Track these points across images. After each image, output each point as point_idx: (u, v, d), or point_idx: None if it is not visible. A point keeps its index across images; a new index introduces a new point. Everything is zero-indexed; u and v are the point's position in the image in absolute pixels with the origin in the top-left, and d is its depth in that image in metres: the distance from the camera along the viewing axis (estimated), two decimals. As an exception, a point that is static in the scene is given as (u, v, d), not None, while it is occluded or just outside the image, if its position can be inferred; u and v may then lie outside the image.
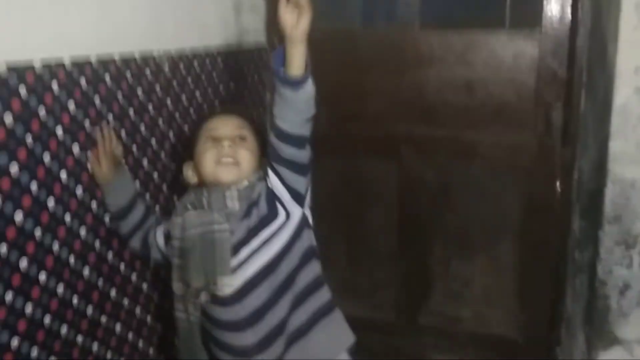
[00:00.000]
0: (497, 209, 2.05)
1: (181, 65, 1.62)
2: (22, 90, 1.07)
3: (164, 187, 1.57)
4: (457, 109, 2.06)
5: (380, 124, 2.14)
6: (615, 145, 1.60)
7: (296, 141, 1.23)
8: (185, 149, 1.43)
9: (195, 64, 1.69)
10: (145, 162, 1.48)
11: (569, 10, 1.90)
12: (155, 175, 1.53)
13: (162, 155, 1.55)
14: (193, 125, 1.67)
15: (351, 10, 2.23)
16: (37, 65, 1.10)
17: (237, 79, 1.95)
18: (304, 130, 1.23)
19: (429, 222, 2.13)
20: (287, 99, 1.18)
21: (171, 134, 1.58)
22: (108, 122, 1.32)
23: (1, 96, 1.02)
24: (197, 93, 1.70)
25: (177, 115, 1.60)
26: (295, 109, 1.20)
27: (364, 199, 2.20)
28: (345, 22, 2.24)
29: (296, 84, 1.16)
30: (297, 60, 1.15)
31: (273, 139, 1.24)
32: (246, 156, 1.30)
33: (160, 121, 1.53)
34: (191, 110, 1.67)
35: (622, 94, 1.61)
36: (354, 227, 2.22)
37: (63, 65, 1.17)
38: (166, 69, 1.54)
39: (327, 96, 2.12)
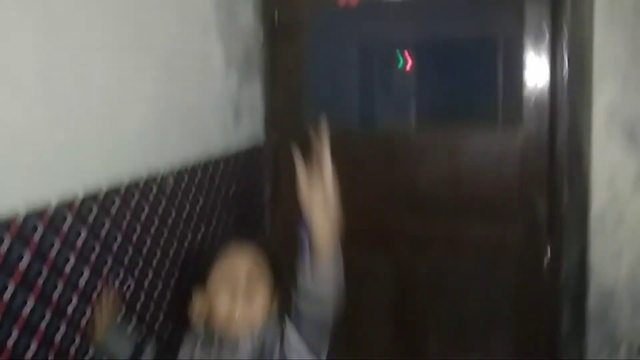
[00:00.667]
0: (488, 302, 2.11)
1: (185, 177, 1.72)
2: (39, 229, 1.16)
3: (167, 294, 1.64)
4: (448, 203, 2.16)
5: (374, 218, 2.23)
6: (596, 251, 1.70)
7: (319, 302, 1.18)
8: (194, 275, 1.40)
9: (198, 173, 1.79)
10: (150, 273, 1.56)
11: (547, 111, 2.02)
12: (160, 285, 1.61)
13: (167, 264, 1.64)
14: (195, 235, 1.76)
15: (349, 113, 2.36)
16: (53, 204, 1.20)
17: (237, 181, 2.06)
18: (330, 292, 1.18)
19: (424, 315, 2.19)
20: (310, 292, 1.16)
21: (175, 243, 1.67)
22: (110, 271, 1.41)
23: (20, 237, 1.11)
24: (200, 200, 1.80)
25: (180, 225, 1.70)
26: (319, 293, 1.17)
27: (358, 291, 2.26)
28: (343, 123, 2.36)
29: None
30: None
31: (294, 296, 1.19)
32: (261, 304, 1.25)
33: (165, 232, 1.62)
34: (194, 218, 1.76)
35: (598, 201, 1.72)
36: (349, 320, 2.26)
37: (76, 199, 1.27)
38: (171, 183, 1.65)
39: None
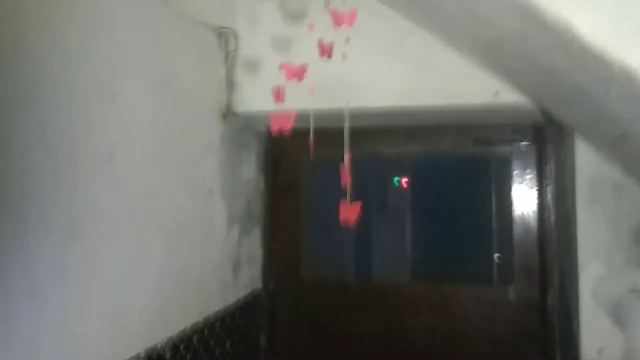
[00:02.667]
0: None
1: (181, 346, 1.75)
2: None
3: None
4: (442, 356, 2.17)
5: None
6: None
7: None
8: None
9: (195, 339, 1.82)
10: None
11: (538, 271, 2.10)
12: None
13: None
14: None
15: (345, 264, 2.44)
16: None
17: (232, 336, 2.08)
18: None
19: None
20: None
21: (168, 419, 1.67)
22: None
23: None
24: (195, 369, 1.82)
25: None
26: None
27: None
28: (340, 274, 2.42)
29: None
30: None
31: None
32: None
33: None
34: (188, 391, 1.77)
35: (590, 374, 1.73)
36: None
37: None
38: (167, 356, 1.67)
39: (320, 338, 2.28)
